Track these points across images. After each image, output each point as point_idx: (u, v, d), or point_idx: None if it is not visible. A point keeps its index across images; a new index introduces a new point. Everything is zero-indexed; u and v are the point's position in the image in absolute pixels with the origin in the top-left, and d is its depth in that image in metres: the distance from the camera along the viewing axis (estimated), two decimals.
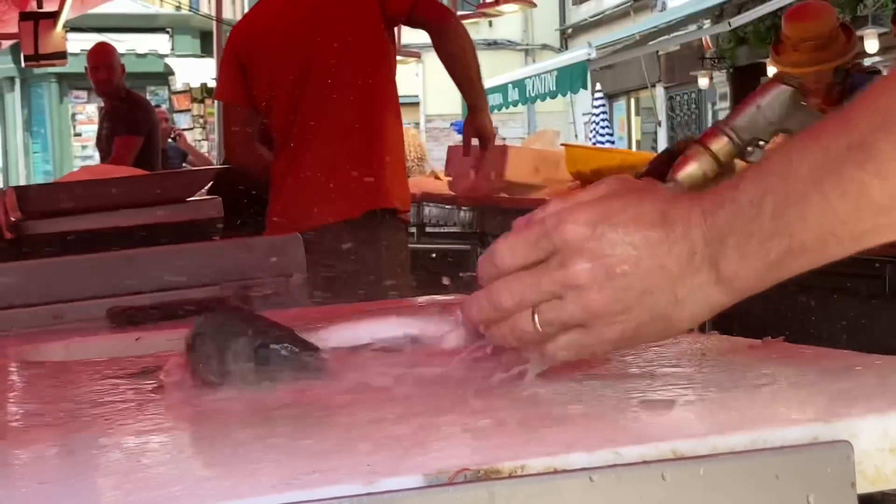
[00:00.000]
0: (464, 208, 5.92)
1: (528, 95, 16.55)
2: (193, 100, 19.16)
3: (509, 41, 24.08)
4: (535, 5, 10.66)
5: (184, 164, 9.70)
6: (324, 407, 1.04)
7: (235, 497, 0.71)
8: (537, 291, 0.96)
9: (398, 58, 11.90)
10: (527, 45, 24.28)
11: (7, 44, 9.00)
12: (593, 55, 15.50)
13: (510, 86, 17.13)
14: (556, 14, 24.01)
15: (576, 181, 4.97)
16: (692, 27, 16.86)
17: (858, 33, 7.65)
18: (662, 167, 1.31)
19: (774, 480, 0.77)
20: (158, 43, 21.07)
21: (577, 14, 23.51)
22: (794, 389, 0.95)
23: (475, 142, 3.96)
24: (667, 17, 17.23)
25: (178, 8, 20.63)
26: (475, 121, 3.80)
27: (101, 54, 7.49)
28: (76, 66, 9.01)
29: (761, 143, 1.14)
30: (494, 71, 19.51)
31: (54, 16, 7.82)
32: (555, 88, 15.52)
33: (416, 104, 23.09)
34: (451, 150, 6.83)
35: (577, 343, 0.97)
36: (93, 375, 1.26)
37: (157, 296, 2.18)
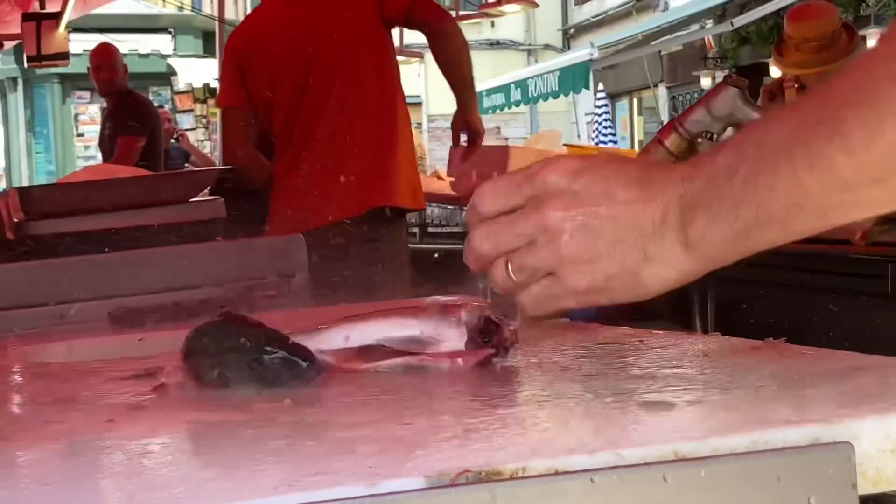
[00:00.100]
0: (466, 208, 5.91)
1: (530, 95, 16.54)
2: (196, 100, 19.16)
3: (512, 41, 24.08)
4: (537, 5, 10.66)
5: (186, 165, 9.70)
6: (325, 408, 1.04)
7: (238, 499, 0.71)
8: (512, 235, 0.96)
9: (400, 58, 11.91)
10: (529, 45, 24.27)
11: (10, 44, 8.99)
12: (596, 55, 15.48)
13: (512, 86, 17.12)
14: (559, 14, 24.00)
15: None
16: (694, 27, 16.85)
17: (861, 33, 7.64)
18: None
19: (776, 482, 0.77)
20: (161, 43, 21.08)
21: (580, 14, 23.50)
22: (795, 391, 0.95)
23: (472, 144, 3.98)
24: (669, 17, 17.22)
25: (181, 8, 20.63)
26: (464, 117, 3.82)
27: (104, 55, 7.50)
28: (79, 66, 9.01)
29: (713, 135, 1.18)
30: (497, 71, 19.52)
31: (57, 16, 7.81)
32: (557, 88, 15.51)
33: (419, 104, 23.08)
34: (453, 150, 6.83)
35: (548, 293, 0.97)
36: (95, 377, 1.26)
37: (160, 296, 2.18)
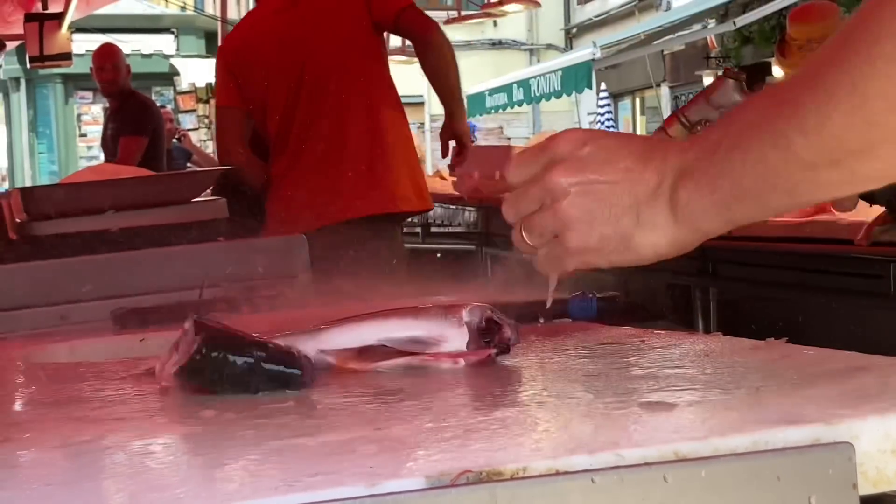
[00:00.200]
0: (468, 208, 5.92)
1: (532, 95, 16.52)
2: (198, 100, 19.15)
3: (514, 41, 24.06)
4: (539, 5, 10.67)
5: (188, 165, 9.70)
6: (326, 409, 1.04)
7: (238, 499, 0.71)
8: (527, 200, 1.02)
9: (402, 58, 11.90)
10: (531, 44, 24.25)
11: (13, 45, 8.99)
12: (598, 55, 15.47)
13: (515, 85, 17.10)
14: (561, 14, 23.99)
15: None
16: (697, 26, 16.84)
17: None
18: None
19: (776, 482, 0.77)
20: (163, 43, 21.06)
21: (582, 14, 23.48)
22: (795, 391, 0.95)
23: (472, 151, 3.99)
24: (672, 17, 17.20)
25: (183, 8, 20.63)
26: (452, 125, 3.83)
27: (107, 55, 7.50)
28: (81, 66, 9.00)
29: (710, 123, 1.24)
30: (499, 71, 19.51)
31: (59, 17, 7.81)
32: (560, 88, 15.49)
33: (421, 104, 23.07)
34: (455, 150, 6.81)
35: (553, 253, 1.02)
36: (97, 377, 1.27)
37: (162, 297, 2.18)
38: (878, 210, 2.75)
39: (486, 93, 17.88)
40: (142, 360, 1.30)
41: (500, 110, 18.08)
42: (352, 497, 0.71)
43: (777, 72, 4.95)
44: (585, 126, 20.54)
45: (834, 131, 0.86)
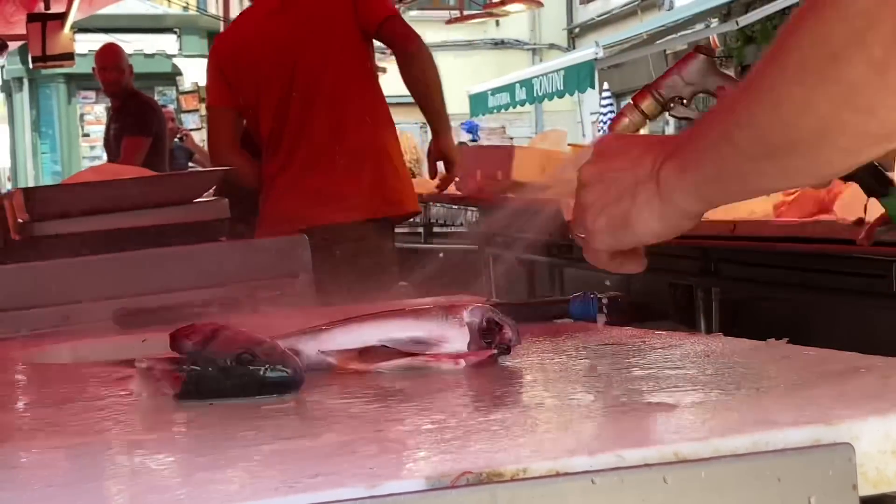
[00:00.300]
0: (471, 208, 5.92)
1: (535, 95, 16.51)
2: (201, 100, 19.14)
3: (517, 40, 24.05)
4: (542, 5, 10.67)
5: (190, 164, 9.70)
6: (327, 409, 1.04)
7: (239, 500, 0.71)
8: (577, 197, 1.15)
9: None
10: (534, 44, 24.24)
11: (15, 45, 9.00)
12: (601, 54, 15.46)
13: (517, 85, 17.10)
14: (564, 13, 23.97)
15: None
16: (699, 26, 16.83)
17: None
18: None
19: (776, 483, 0.77)
20: (166, 43, 21.05)
21: (585, 13, 23.47)
22: (795, 391, 0.95)
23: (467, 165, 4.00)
24: (674, 16, 17.19)
25: (186, 8, 20.63)
26: (438, 145, 3.82)
27: (110, 55, 7.50)
28: (84, 66, 9.00)
29: (683, 100, 1.37)
30: (502, 70, 19.49)
31: (62, 17, 7.82)
32: (562, 88, 15.49)
33: None
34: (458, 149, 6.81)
35: (584, 238, 1.14)
36: (99, 378, 1.27)
37: (164, 297, 2.19)
38: (878, 210, 2.75)
39: (489, 92, 17.87)
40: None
41: (503, 110, 18.07)
42: (352, 498, 0.71)
43: None
44: (588, 125, 20.56)
45: (760, 129, 0.95)
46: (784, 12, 11.58)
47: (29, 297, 2.24)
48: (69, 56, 8.04)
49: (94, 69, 7.55)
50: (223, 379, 1.05)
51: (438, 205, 6.37)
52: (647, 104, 1.42)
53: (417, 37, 3.73)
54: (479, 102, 18.12)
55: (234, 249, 2.61)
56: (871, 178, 1.32)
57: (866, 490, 0.80)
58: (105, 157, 8.21)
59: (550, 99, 16.14)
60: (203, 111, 19.30)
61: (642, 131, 1.54)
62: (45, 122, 21.31)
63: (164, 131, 7.60)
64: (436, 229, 6.36)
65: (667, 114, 1.43)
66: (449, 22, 11.65)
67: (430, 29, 19.35)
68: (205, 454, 0.86)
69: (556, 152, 5.85)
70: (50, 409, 1.16)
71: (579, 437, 0.84)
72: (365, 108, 3.68)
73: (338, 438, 0.88)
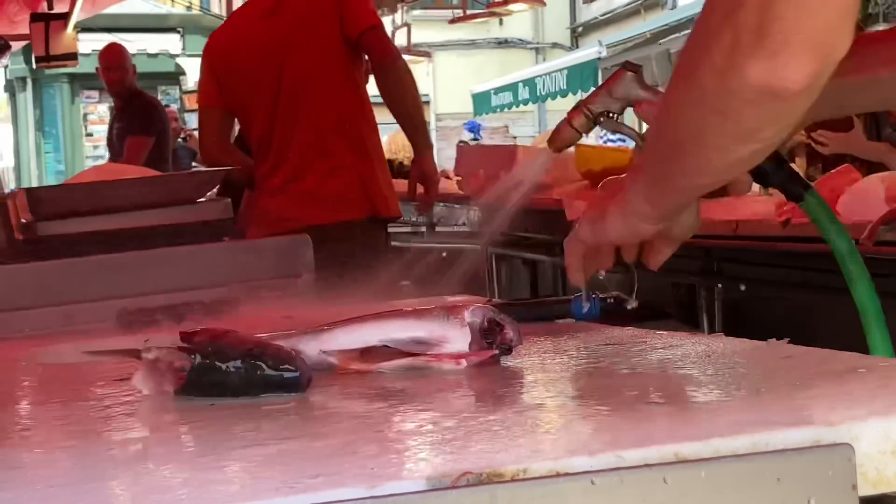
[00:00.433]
0: (473, 208, 5.92)
1: (538, 94, 16.51)
2: None
3: (520, 39, 24.05)
4: (545, 4, 10.67)
5: (193, 164, 9.71)
6: (328, 410, 1.04)
7: (240, 500, 0.72)
8: None
9: (408, 57, 11.88)
10: (537, 43, 24.23)
11: (18, 45, 9.01)
12: (604, 53, 15.45)
13: (520, 84, 17.10)
14: (567, 12, 23.97)
15: (586, 180, 4.96)
16: None
17: (870, 30, 7.61)
18: None
19: (776, 483, 0.77)
20: (169, 43, 21.07)
21: (588, 12, 23.46)
22: (796, 392, 0.95)
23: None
24: (677, 16, 17.17)
25: (189, 8, 20.64)
26: (418, 164, 3.82)
27: (113, 55, 7.51)
28: (88, 66, 9.01)
29: (614, 114, 1.47)
30: (505, 69, 19.49)
31: (65, 17, 7.82)
32: (565, 87, 15.48)
33: (427, 103, 23.08)
34: (460, 149, 6.84)
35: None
36: (100, 378, 1.27)
37: (167, 297, 2.19)
38: (881, 209, 2.75)
39: (492, 91, 17.87)
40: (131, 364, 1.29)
41: (506, 109, 18.07)
42: (352, 499, 0.71)
43: None
44: None
45: (664, 132, 1.14)
46: None
47: (32, 297, 2.24)
48: (72, 56, 8.05)
49: (97, 69, 7.55)
50: (229, 373, 1.05)
51: (441, 204, 6.37)
52: (580, 120, 1.50)
53: (394, 51, 3.75)
54: (482, 101, 18.12)
55: (236, 249, 2.62)
56: (790, 183, 1.38)
57: (866, 490, 0.80)
58: (108, 156, 8.22)
59: (553, 98, 16.14)
60: None
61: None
62: (48, 121, 21.32)
63: (167, 131, 7.61)
64: (438, 228, 6.37)
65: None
66: (452, 21, 11.65)
67: (433, 28, 19.39)
68: (206, 454, 0.86)
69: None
70: (51, 408, 1.16)
71: (579, 437, 0.85)
72: (350, 113, 3.72)
73: (339, 439, 0.88)
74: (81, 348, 1.42)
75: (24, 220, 2.66)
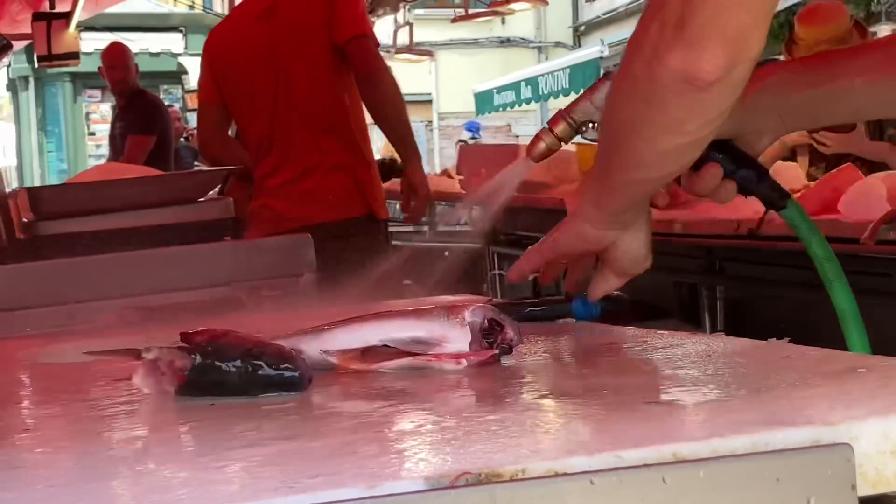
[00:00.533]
0: (475, 207, 5.92)
1: (540, 93, 16.52)
2: None
3: (522, 38, 24.06)
4: (547, 3, 10.66)
5: (195, 164, 9.72)
6: (327, 409, 1.05)
7: (239, 500, 0.72)
8: None
9: (410, 56, 11.84)
10: (540, 42, 24.24)
11: (20, 45, 9.02)
12: (606, 52, 15.47)
13: (523, 83, 17.11)
14: (569, 11, 23.98)
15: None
16: None
17: (872, 29, 7.62)
18: None
19: (775, 483, 0.77)
20: (172, 42, 21.10)
21: (591, 11, 23.47)
22: (795, 391, 0.95)
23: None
24: None
25: (192, 7, 20.65)
26: (406, 176, 3.84)
27: (117, 54, 7.52)
28: (90, 65, 9.02)
29: (594, 123, 1.47)
30: (507, 68, 19.50)
31: (67, 16, 7.83)
32: (568, 86, 15.49)
33: (429, 102, 23.08)
34: (462, 148, 6.84)
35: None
36: (101, 378, 1.27)
37: (168, 296, 2.19)
38: (882, 208, 2.75)
39: (494, 90, 17.87)
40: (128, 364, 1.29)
41: (508, 108, 18.08)
42: (351, 499, 0.71)
43: None
44: None
45: (604, 127, 1.25)
46: (790, 10, 11.56)
47: (33, 296, 2.24)
48: (74, 55, 8.06)
49: (100, 68, 7.56)
50: (229, 373, 1.06)
51: (443, 203, 6.38)
52: (561, 128, 1.52)
53: (377, 63, 3.74)
54: (484, 100, 18.12)
55: (238, 249, 2.62)
56: (769, 192, 1.39)
57: (865, 490, 0.80)
58: (109, 155, 8.23)
59: (556, 97, 16.15)
60: None
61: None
62: (50, 120, 21.35)
63: (169, 130, 7.62)
64: (440, 227, 6.37)
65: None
66: (454, 20, 11.64)
67: (435, 27, 19.40)
68: (205, 454, 0.86)
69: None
70: (52, 408, 1.17)
71: (578, 437, 0.85)
72: (342, 116, 3.73)
73: (339, 438, 0.88)
74: (82, 348, 1.42)
75: (25, 220, 2.66)
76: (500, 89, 17.71)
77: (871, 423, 0.81)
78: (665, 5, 1.05)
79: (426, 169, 4.38)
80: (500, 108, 18.10)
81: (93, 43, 10.92)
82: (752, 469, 0.77)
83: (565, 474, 0.75)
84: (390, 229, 4.01)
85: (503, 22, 21.64)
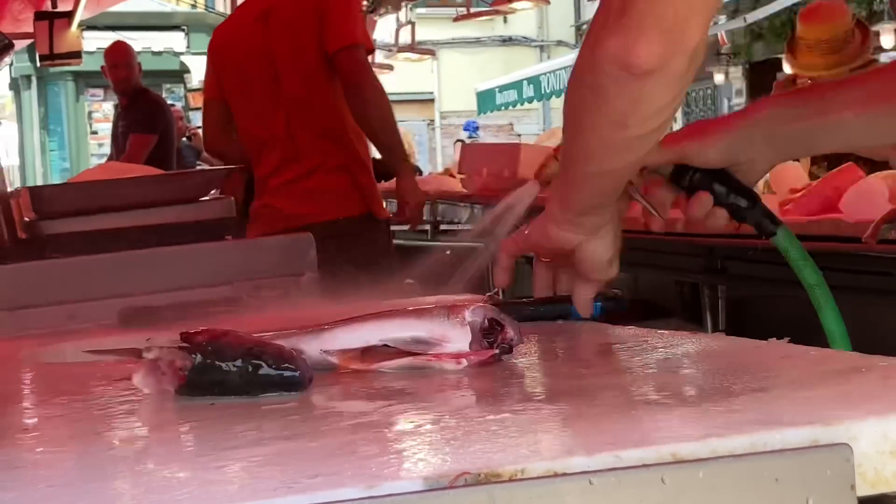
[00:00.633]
0: (477, 206, 5.93)
1: (543, 92, 16.54)
2: None
3: (524, 37, 24.06)
4: (549, 2, 10.64)
5: (198, 163, 9.72)
6: (327, 409, 1.05)
7: (239, 500, 0.72)
8: None
9: (412, 55, 11.83)
10: (542, 41, 24.24)
11: (22, 44, 9.02)
12: None
13: (525, 82, 17.12)
14: (571, 10, 23.98)
15: None
16: None
17: (874, 28, 7.60)
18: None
19: (774, 483, 0.77)
20: (174, 41, 21.11)
21: (593, 10, 23.33)
22: (794, 391, 0.95)
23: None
24: None
25: (194, 6, 20.66)
26: (397, 187, 3.86)
27: (120, 53, 7.52)
28: (92, 64, 9.03)
29: None
30: (509, 67, 19.50)
31: (69, 15, 7.83)
32: None
33: (431, 101, 23.08)
34: (463, 147, 6.85)
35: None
36: (102, 377, 1.27)
37: (170, 296, 2.19)
38: (883, 208, 2.75)
39: (497, 89, 17.88)
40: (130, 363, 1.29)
41: (511, 107, 18.09)
42: (350, 499, 0.71)
43: (787, 69, 4.95)
44: None
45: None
46: (791, 9, 11.56)
47: (35, 295, 2.24)
48: (76, 54, 8.07)
49: (103, 67, 7.57)
50: (229, 372, 1.06)
51: (445, 202, 6.38)
52: (552, 166, 1.58)
53: (364, 75, 3.73)
54: (486, 99, 18.13)
55: (239, 248, 2.62)
56: (760, 219, 1.42)
57: (864, 490, 0.80)
58: (110, 154, 8.23)
59: (558, 96, 16.15)
60: None
61: None
62: (53, 119, 21.36)
63: (171, 129, 7.63)
64: (442, 227, 6.37)
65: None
66: (456, 19, 11.64)
67: (437, 26, 19.41)
68: (205, 454, 0.87)
69: None
70: (52, 408, 1.17)
71: (577, 437, 0.85)
72: (339, 123, 3.74)
73: (338, 438, 0.88)
74: (82, 347, 1.43)
75: (27, 219, 2.67)
76: (502, 88, 17.72)
77: (871, 423, 0.81)
78: None
79: (428, 168, 4.38)
80: (502, 107, 18.11)
81: (95, 42, 10.93)
82: (751, 469, 0.77)
83: (564, 474, 0.75)
84: (392, 228, 4.02)
85: (505, 21, 21.64)
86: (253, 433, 0.92)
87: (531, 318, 1.47)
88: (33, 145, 21.34)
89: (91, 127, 21.31)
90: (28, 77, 20.86)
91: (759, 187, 3.05)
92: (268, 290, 2.29)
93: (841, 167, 3.39)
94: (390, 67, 11.42)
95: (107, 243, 2.46)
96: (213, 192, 3.50)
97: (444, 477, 0.73)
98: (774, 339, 1.19)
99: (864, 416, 0.82)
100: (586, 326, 1.45)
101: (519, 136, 21.16)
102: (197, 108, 18.82)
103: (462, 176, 6.35)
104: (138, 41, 12.76)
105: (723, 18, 16.53)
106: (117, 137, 7.75)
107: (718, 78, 17.10)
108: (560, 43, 23.90)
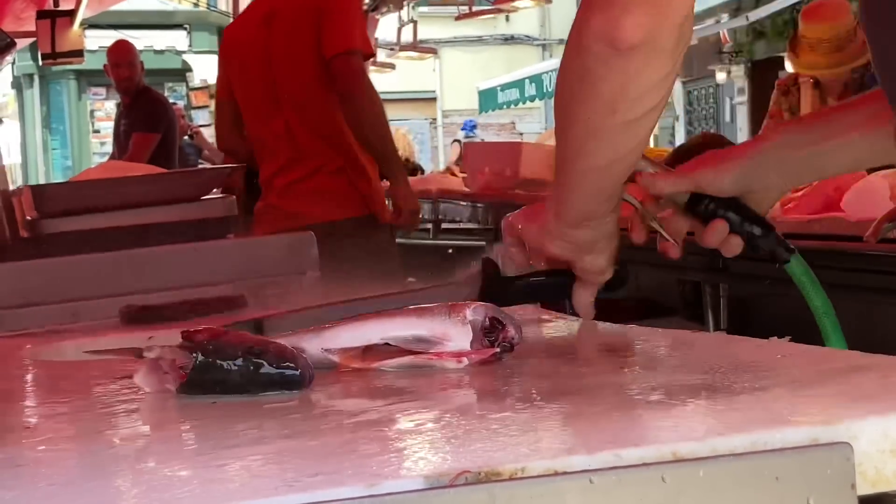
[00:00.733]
0: (479, 205, 5.93)
1: (545, 90, 16.52)
2: (211, 96, 19.14)
3: (526, 36, 24.03)
4: (550, 1, 10.63)
5: (200, 161, 9.72)
6: (327, 408, 1.05)
7: (239, 499, 0.72)
8: None
9: (413, 54, 11.82)
10: (544, 39, 24.22)
11: (23, 43, 9.01)
12: None
13: (527, 81, 17.12)
14: (573, 9, 23.84)
15: None
16: (710, 21, 16.80)
17: None
18: (679, 162, 1.41)
19: (774, 482, 0.77)
20: (176, 39, 21.09)
21: None
22: (795, 390, 0.95)
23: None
24: None
25: (196, 4, 20.67)
26: (391, 193, 3.86)
27: (123, 51, 7.52)
28: (95, 62, 9.02)
29: None
30: (511, 66, 19.49)
31: (71, 14, 7.83)
32: None
33: (433, 100, 23.08)
34: (465, 146, 6.85)
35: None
36: (103, 376, 1.27)
37: (172, 294, 2.19)
38: (885, 207, 2.74)
39: (498, 88, 17.88)
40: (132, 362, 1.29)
41: (512, 105, 18.08)
42: (351, 497, 0.71)
43: (789, 68, 4.95)
44: None
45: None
46: (794, 8, 11.54)
47: (37, 293, 2.25)
48: (79, 53, 8.06)
49: (105, 66, 7.57)
50: (230, 371, 1.06)
51: (447, 201, 6.38)
52: None
53: (359, 82, 3.71)
54: (488, 98, 18.13)
55: (241, 247, 2.62)
56: (774, 246, 1.42)
57: (865, 489, 0.80)
58: (112, 152, 8.23)
59: None
60: (213, 107, 19.34)
61: None
62: (55, 118, 21.36)
63: (173, 128, 7.62)
64: (444, 225, 6.37)
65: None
66: (458, 18, 11.62)
67: (439, 24, 19.41)
68: (206, 452, 0.87)
69: None
70: (53, 406, 1.17)
71: (577, 436, 0.85)
72: (339, 127, 3.74)
73: (339, 437, 0.88)
74: (84, 346, 1.43)
75: (29, 217, 2.67)
76: (504, 87, 17.72)
77: (871, 422, 0.81)
78: None
79: (430, 167, 4.39)
80: (504, 106, 18.10)
81: (97, 40, 10.92)
82: (752, 468, 0.77)
83: (565, 473, 0.75)
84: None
85: (507, 19, 21.62)
86: (254, 432, 0.92)
87: (533, 292, 1.47)
88: (35, 144, 21.34)
89: (93, 125, 21.30)
90: (30, 76, 20.85)
91: None
92: (270, 288, 2.29)
93: None
94: (392, 66, 11.41)
95: (108, 242, 2.46)
96: (214, 190, 3.51)
97: (444, 475, 0.73)
98: (776, 338, 1.19)
99: (865, 414, 0.82)
100: (587, 325, 1.45)
101: (521, 134, 21.15)
102: (199, 107, 18.83)
103: (464, 174, 6.35)
104: (140, 40, 12.76)
105: (725, 17, 16.54)
106: (119, 136, 7.75)
107: (720, 76, 17.09)
108: (562, 41, 23.80)
